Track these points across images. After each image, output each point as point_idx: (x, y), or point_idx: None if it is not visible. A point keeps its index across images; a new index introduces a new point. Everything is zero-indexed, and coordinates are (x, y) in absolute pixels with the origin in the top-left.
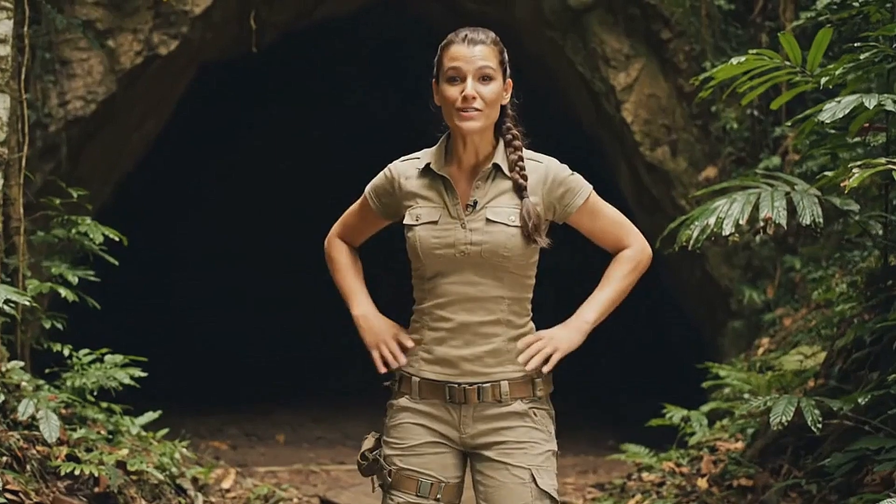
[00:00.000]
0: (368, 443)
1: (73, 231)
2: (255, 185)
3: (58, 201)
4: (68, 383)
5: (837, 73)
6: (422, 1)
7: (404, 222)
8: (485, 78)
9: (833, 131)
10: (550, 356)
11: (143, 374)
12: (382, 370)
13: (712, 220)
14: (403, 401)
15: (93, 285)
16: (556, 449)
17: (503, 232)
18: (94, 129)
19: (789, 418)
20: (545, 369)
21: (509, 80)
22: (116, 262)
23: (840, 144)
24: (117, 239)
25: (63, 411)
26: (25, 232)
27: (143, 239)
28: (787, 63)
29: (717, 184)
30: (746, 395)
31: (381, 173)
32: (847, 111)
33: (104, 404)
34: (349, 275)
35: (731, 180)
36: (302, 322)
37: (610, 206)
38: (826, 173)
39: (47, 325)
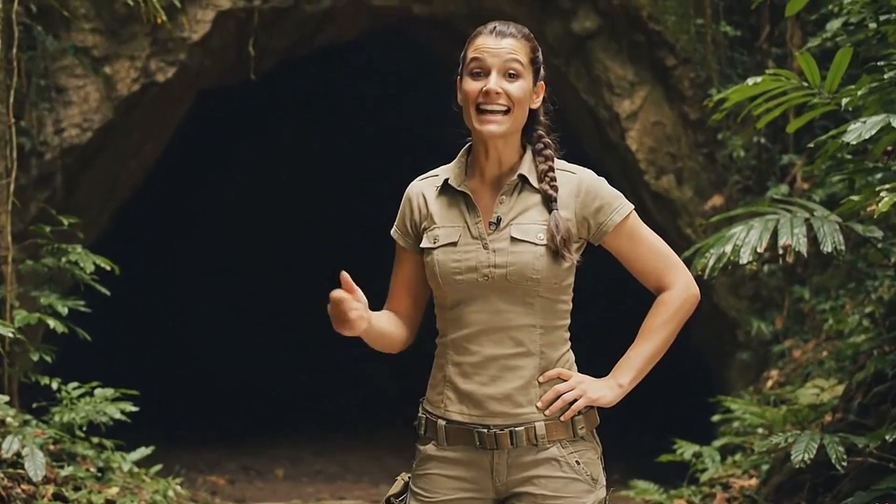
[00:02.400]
0: (396, 487)
1: (64, 260)
2: (254, 202)
3: (48, 229)
4: (56, 418)
5: (860, 93)
6: (421, 28)
7: (421, 245)
8: (512, 74)
9: (849, 156)
10: (574, 402)
11: (135, 409)
12: (336, 319)
13: (729, 248)
14: (430, 448)
15: (87, 312)
16: (603, 496)
17: (530, 251)
18: (90, 156)
19: (812, 455)
20: (564, 417)
21: (541, 83)
22: (108, 293)
23: (859, 170)
24: (109, 268)
25: (51, 447)
26: (14, 261)
27: (140, 264)
28: (805, 84)
29: (724, 212)
30: (760, 430)
31: (401, 203)
32: (874, 132)
33: (95, 439)
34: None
35: (746, 206)
36: (303, 347)
37: (653, 232)
38: (852, 197)
39: (35, 358)
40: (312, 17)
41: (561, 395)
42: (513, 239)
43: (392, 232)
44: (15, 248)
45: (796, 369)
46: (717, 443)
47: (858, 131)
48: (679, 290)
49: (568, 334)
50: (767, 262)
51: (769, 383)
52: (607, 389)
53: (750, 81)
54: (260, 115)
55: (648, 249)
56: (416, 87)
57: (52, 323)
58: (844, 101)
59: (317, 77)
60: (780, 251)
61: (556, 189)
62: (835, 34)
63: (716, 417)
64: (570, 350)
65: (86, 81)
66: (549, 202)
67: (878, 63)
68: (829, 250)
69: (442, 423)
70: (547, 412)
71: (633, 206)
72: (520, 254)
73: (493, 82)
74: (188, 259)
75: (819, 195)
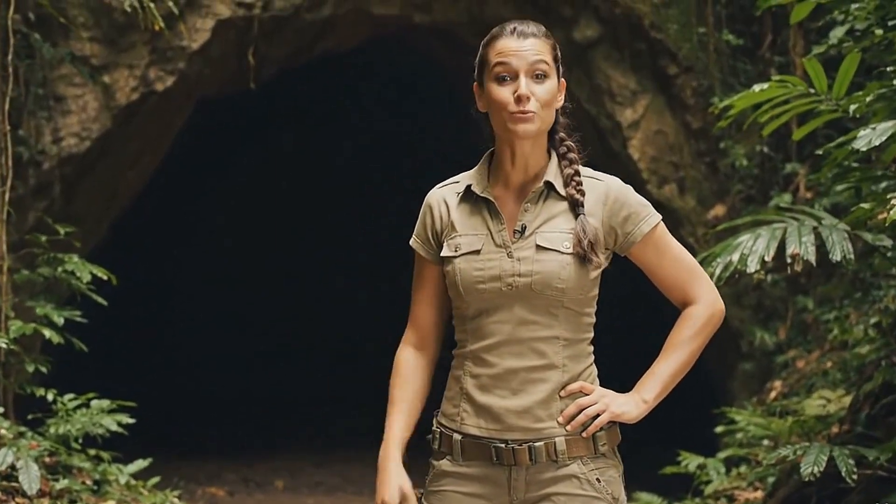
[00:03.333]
0: None
1: (60, 269)
2: (254, 210)
3: (44, 238)
4: (52, 430)
5: (868, 99)
6: (422, 37)
7: (442, 254)
8: (539, 75)
9: (856, 164)
10: (596, 417)
11: (131, 421)
12: None
13: (736, 257)
14: (445, 463)
15: (84, 323)
16: None
17: (556, 260)
18: (89, 166)
19: (822, 468)
20: (586, 432)
21: (563, 81)
22: (105, 302)
23: (866, 177)
24: (105, 278)
25: (47, 460)
26: (10, 271)
27: (139, 272)
28: (812, 90)
29: (726, 222)
30: (766, 442)
31: (420, 211)
32: (884, 138)
33: (92, 452)
34: (398, 395)
35: (753, 215)
36: (304, 356)
37: (679, 243)
38: (862, 205)
39: (31, 369)
40: (312, 26)
41: (583, 410)
42: (538, 247)
43: (412, 242)
44: (11, 258)
45: (800, 380)
46: (722, 454)
47: (868, 138)
48: (705, 305)
49: (591, 348)
50: (771, 272)
51: (772, 394)
52: (632, 405)
53: (756, 88)
54: (260, 123)
55: (674, 262)
56: (417, 93)
57: (47, 333)
58: (852, 107)
59: (317, 83)
60: (789, 260)
61: (582, 193)
62: (841, 41)
63: (719, 428)
64: (594, 364)
65: (84, 90)
66: (575, 206)
67: (887, 69)
68: (839, 259)
69: (457, 437)
70: (568, 427)
71: (660, 217)
72: (545, 262)
73: (524, 86)
74: (187, 267)
75: (823, 204)
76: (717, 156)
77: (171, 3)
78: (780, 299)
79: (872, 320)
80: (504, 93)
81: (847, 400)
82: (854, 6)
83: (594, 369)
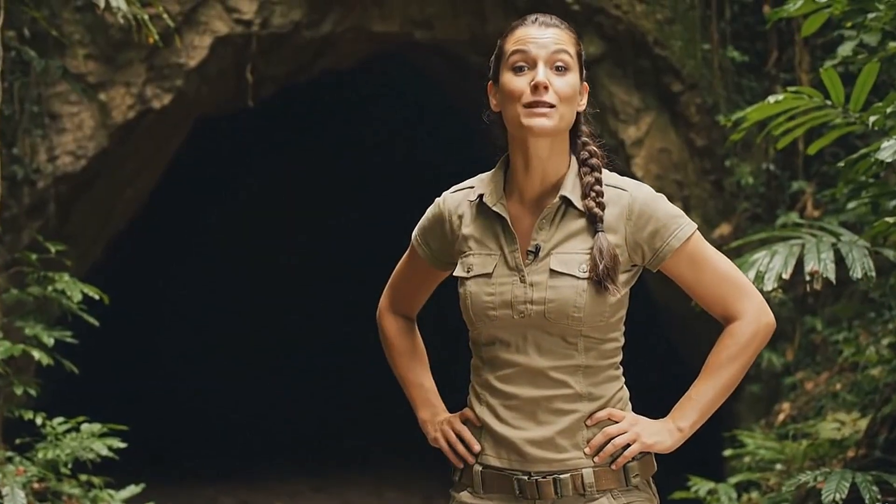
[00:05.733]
0: None
1: (50, 289)
2: (255, 227)
3: (34, 257)
4: (40, 455)
5: (889, 110)
6: (423, 54)
7: (454, 274)
8: (560, 68)
9: (872, 180)
10: (626, 447)
11: (122, 445)
12: (461, 465)
13: (752, 275)
14: (465, 495)
15: (75, 344)
16: None
17: (572, 286)
18: (84, 185)
19: (844, 495)
20: (615, 465)
21: (585, 84)
22: (96, 323)
23: (883, 193)
24: (97, 297)
25: (35, 486)
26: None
27: (135, 293)
28: (828, 102)
29: (732, 241)
30: (779, 466)
31: (430, 209)
32: None
33: (83, 477)
34: (410, 363)
35: (768, 231)
36: (300, 382)
37: (719, 253)
38: (887, 219)
39: (19, 392)
40: (312, 44)
41: (612, 439)
42: (552, 272)
43: (414, 235)
44: (2, 278)
45: (809, 402)
46: (734, 479)
47: (893, 149)
48: (749, 321)
49: (619, 370)
50: (780, 291)
51: (780, 417)
52: (665, 434)
53: (771, 99)
54: (259, 140)
55: (713, 275)
56: (418, 110)
57: (37, 354)
58: (872, 119)
59: (317, 100)
60: (807, 278)
61: (602, 207)
62: (855, 52)
63: (727, 452)
64: (624, 387)
65: (80, 108)
66: (593, 222)
67: None
68: (859, 276)
69: (477, 468)
70: (596, 459)
71: (695, 227)
72: (559, 289)
73: (542, 74)
74: (185, 289)
75: (832, 223)
76: (723, 174)
77: (166, 17)
78: (787, 320)
79: (885, 341)
80: (519, 82)
81: (862, 423)
82: (870, 16)
83: (625, 393)
